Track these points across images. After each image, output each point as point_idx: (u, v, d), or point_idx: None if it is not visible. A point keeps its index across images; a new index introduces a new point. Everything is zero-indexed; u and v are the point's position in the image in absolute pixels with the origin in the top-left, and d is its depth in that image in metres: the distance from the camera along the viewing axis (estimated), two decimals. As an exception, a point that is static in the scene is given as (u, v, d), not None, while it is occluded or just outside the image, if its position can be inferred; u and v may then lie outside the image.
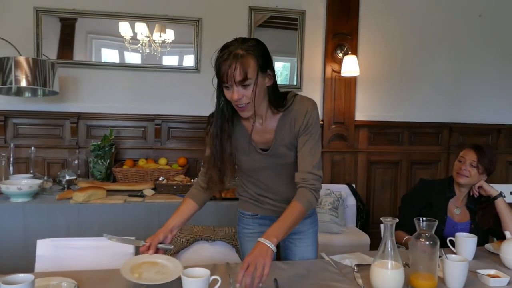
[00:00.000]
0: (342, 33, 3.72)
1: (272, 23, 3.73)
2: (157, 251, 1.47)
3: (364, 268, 1.56)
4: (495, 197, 2.00)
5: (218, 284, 1.24)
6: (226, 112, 1.47)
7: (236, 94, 1.35)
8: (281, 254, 1.78)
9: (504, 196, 2.03)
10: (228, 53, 1.33)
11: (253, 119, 1.51)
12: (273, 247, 1.26)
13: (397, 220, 1.33)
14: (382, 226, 2.15)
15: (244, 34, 3.61)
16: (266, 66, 1.40)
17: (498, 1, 4.04)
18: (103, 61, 3.50)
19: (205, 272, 1.25)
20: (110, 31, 3.48)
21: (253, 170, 1.61)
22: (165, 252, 1.50)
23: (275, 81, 1.47)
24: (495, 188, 2.03)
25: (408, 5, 3.89)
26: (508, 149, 4.15)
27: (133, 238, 1.55)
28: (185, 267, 1.33)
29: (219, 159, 1.49)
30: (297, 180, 1.47)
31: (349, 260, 1.64)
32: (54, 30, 3.40)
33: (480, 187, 2.04)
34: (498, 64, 4.08)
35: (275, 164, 1.57)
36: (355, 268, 1.56)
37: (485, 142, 4.05)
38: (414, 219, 1.42)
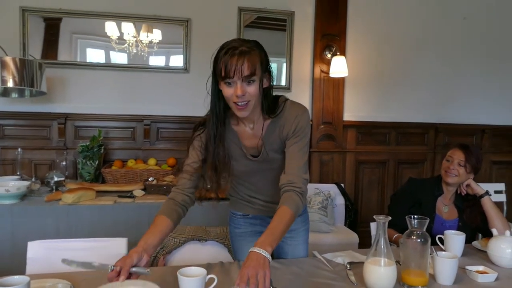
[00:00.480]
0: (331, 34, 3.76)
1: (260, 24, 3.75)
2: (129, 276, 1.24)
3: (356, 265, 1.58)
4: (482, 196, 2.05)
5: (214, 283, 1.25)
6: (220, 115, 1.45)
7: (240, 89, 1.32)
8: (274, 251, 1.78)
9: (490, 195, 2.08)
10: (233, 49, 1.32)
11: (244, 124, 1.50)
12: (269, 256, 1.21)
13: (390, 218, 1.36)
14: (372, 224, 2.19)
15: (234, 35, 3.62)
16: (266, 65, 1.41)
17: (482, 4, 4.12)
18: (88, 61, 3.47)
19: (202, 271, 1.26)
20: (96, 31, 3.45)
21: (243, 174, 1.61)
22: (138, 277, 1.26)
23: (271, 83, 1.46)
24: (481, 187, 2.08)
25: (395, 7, 3.94)
26: (492, 148, 4.23)
27: (97, 263, 1.31)
28: (180, 267, 1.33)
29: (218, 162, 1.46)
30: (284, 182, 1.44)
31: (341, 258, 1.66)
32: (38, 30, 3.35)
33: (468, 186, 2.09)
34: (483, 65, 4.16)
35: (265, 168, 1.57)
36: (348, 265, 1.58)
37: (470, 142, 4.13)
38: (406, 217, 1.45)
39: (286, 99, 1.52)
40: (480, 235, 2.21)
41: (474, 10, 4.10)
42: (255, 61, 1.33)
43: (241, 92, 1.33)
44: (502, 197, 3.48)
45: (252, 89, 1.35)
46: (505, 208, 3.46)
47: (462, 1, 4.08)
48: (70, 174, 3.32)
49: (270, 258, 1.22)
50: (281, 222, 1.34)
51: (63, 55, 3.41)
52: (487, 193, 2.06)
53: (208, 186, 1.51)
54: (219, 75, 1.34)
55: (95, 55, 3.49)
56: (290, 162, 1.46)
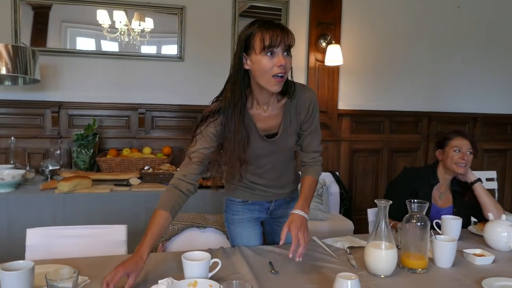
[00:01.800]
0: (326, 23, 3.75)
1: (255, 13, 3.72)
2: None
3: (356, 250, 1.60)
4: (473, 182, 2.07)
5: (219, 267, 1.26)
6: (243, 98, 1.46)
7: (283, 59, 1.35)
8: (270, 236, 1.82)
9: (482, 182, 2.10)
10: (271, 22, 1.37)
11: (259, 106, 1.52)
12: (307, 216, 1.45)
13: (391, 202, 1.38)
14: (369, 211, 2.22)
15: (229, 23, 3.60)
16: None
17: (476, -7, 4.15)
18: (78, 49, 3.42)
19: (206, 255, 1.27)
20: (87, 20, 3.39)
21: (254, 158, 1.59)
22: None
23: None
24: (474, 174, 2.11)
25: (389, -5, 3.95)
26: (484, 137, 4.28)
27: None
28: (182, 252, 1.34)
29: (239, 145, 1.47)
30: (307, 160, 1.63)
31: (341, 243, 1.68)
32: (26, 18, 3.29)
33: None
34: (476, 55, 4.19)
35: (275, 150, 1.59)
36: (348, 250, 1.60)
37: (463, 130, 4.16)
38: (406, 201, 1.47)
39: (293, 81, 1.54)
40: (472, 220, 2.24)
41: (468, -1, 4.12)
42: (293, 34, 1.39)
43: (284, 61, 1.35)
44: (494, 185, 3.54)
45: (290, 61, 1.39)
46: (496, 195, 3.51)
47: (456, -10, 4.10)
48: (65, 163, 3.29)
49: (308, 218, 1.46)
50: (311, 189, 1.56)
51: (52, 44, 3.35)
52: (479, 179, 2.08)
53: (222, 173, 1.56)
54: (259, 47, 1.35)
55: (85, 44, 3.44)
56: (312, 141, 1.62)
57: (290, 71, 1.42)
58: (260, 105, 1.52)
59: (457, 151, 2.06)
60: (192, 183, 1.49)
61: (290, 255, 1.34)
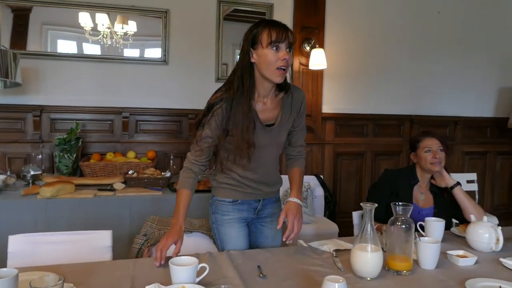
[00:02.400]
0: (309, 27, 3.78)
1: (239, 16, 3.74)
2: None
3: (342, 253, 1.62)
4: (453, 187, 2.11)
5: (206, 272, 1.25)
6: (250, 89, 1.60)
7: (287, 53, 1.54)
8: (253, 236, 1.87)
9: (461, 185, 2.14)
10: (276, 22, 1.57)
11: (260, 98, 1.67)
12: (302, 203, 1.70)
13: (376, 205, 1.39)
14: (354, 213, 2.24)
15: (213, 27, 3.60)
16: None
17: (455, -2, 4.24)
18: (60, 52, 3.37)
19: (193, 260, 1.26)
20: (69, 22, 3.35)
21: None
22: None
23: None
24: (452, 178, 2.15)
25: (372, 0, 3.99)
26: (464, 139, 4.37)
27: None
28: (168, 258, 1.33)
29: (247, 133, 1.60)
30: (294, 153, 1.84)
31: (327, 246, 1.69)
32: (6, 21, 3.23)
33: (439, 176, 2.14)
34: (456, 59, 4.27)
35: (270, 142, 1.71)
36: (334, 253, 1.61)
37: (444, 133, 4.24)
38: (391, 204, 1.49)
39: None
40: (454, 222, 2.27)
41: (448, 4, 4.20)
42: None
43: (287, 55, 1.54)
44: (474, 187, 3.60)
45: (291, 57, 1.57)
46: (477, 197, 3.58)
47: (437, -4, 4.18)
48: (46, 167, 3.24)
49: (302, 204, 1.71)
50: (301, 179, 1.79)
51: (32, 47, 3.30)
52: (458, 183, 2.12)
53: (226, 162, 1.71)
54: (266, 41, 1.53)
55: (66, 47, 3.39)
56: (299, 136, 1.83)
57: (290, 67, 1.59)
58: (260, 97, 1.67)
59: (428, 151, 2.13)
60: (203, 165, 1.69)
61: (284, 239, 1.60)
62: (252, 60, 1.58)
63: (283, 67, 1.55)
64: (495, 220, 3.22)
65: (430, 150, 2.12)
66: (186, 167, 1.68)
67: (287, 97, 1.71)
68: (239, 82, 1.59)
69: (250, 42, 1.57)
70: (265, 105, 1.68)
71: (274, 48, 1.53)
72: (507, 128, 4.28)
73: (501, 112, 4.44)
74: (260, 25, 1.57)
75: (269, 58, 1.54)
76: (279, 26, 1.55)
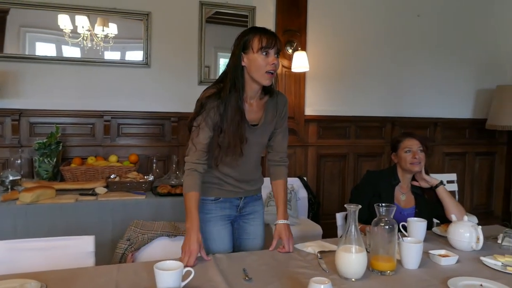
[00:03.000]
0: (292, 30, 3.80)
1: (221, 19, 3.74)
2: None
3: (326, 254, 1.63)
4: (437, 186, 2.15)
5: (192, 276, 1.25)
6: (242, 90, 1.69)
7: (275, 59, 1.65)
8: (236, 234, 1.90)
9: (444, 185, 2.19)
10: (266, 29, 1.68)
11: (247, 99, 1.74)
12: (289, 222, 1.81)
13: (360, 206, 1.41)
14: (338, 215, 2.26)
15: (195, 29, 3.59)
16: None
17: (435, 2, 4.31)
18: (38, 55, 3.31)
19: (178, 264, 1.25)
20: (47, 24, 3.29)
21: None
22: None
23: None
24: (435, 178, 2.19)
25: (354, 3, 4.04)
26: (444, 141, 4.45)
27: None
28: (152, 262, 1.32)
29: (241, 125, 1.68)
30: (276, 158, 1.89)
31: (311, 248, 1.70)
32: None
33: (422, 179, 2.18)
34: (435, 61, 4.35)
35: (255, 141, 1.77)
36: (318, 255, 1.62)
37: (424, 135, 4.31)
38: (374, 205, 1.50)
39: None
40: (435, 222, 2.31)
41: (428, 8, 4.27)
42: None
43: (276, 60, 1.65)
44: (454, 187, 3.68)
45: (279, 62, 1.68)
46: (457, 196, 3.65)
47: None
48: (26, 172, 3.17)
49: (290, 223, 1.84)
50: (285, 195, 1.87)
51: (9, 50, 3.23)
52: (441, 182, 2.16)
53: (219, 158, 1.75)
54: (256, 47, 1.63)
55: (45, 49, 3.33)
56: (282, 141, 1.88)
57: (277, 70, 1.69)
58: (247, 98, 1.75)
59: (408, 151, 2.16)
60: (206, 163, 1.72)
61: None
62: (243, 64, 1.67)
63: (271, 71, 1.65)
64: (475, 219, 3.29)
65: (410, 151, 2.16)
66: (190, 170, 1.69)
67: (271, 100, 1.80)
68: (231, 84, 1.68)
69: (242, 47, 1.67)
70: (251, 106, 1.76)
71: (264, 53, 1.63)
72: (485, 129, 4.36)
73: (479, 114, 4.54)
74: (252, 32, 1.67)
75: (259, 63, 1.64)
76: (269, 34, 1.66)
